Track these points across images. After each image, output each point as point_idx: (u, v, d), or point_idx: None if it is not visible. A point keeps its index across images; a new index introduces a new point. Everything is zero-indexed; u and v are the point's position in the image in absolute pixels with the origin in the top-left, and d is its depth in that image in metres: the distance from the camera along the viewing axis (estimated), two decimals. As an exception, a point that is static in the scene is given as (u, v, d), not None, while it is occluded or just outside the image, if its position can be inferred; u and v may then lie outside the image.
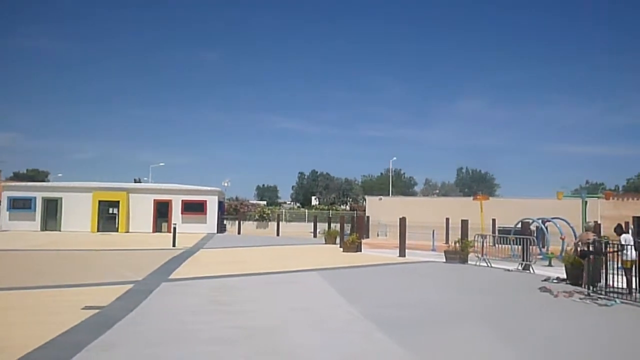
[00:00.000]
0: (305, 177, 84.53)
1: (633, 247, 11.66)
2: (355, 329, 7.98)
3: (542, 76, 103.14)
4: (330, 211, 44.86)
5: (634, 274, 11.45)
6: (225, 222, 39.70)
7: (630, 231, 24.96)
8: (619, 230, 12.51)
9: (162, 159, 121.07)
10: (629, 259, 11.65)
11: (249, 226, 40.67)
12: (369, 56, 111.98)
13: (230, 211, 42.01)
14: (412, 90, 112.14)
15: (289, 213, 47.61)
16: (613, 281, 11.80)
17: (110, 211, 34.33)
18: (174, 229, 24.37)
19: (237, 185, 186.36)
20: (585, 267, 12.57)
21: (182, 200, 35.28)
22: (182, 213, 34.92)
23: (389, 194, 55.46)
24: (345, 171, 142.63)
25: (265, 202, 66.41)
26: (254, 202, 59.01)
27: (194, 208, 35.44)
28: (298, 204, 75.10)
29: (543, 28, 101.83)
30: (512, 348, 7.01)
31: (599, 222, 24.73)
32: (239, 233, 36.61)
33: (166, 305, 9.50)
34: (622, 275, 11.86)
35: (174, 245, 22.75)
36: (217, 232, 35.45)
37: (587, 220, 20.72)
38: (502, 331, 8.01)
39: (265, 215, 43.10)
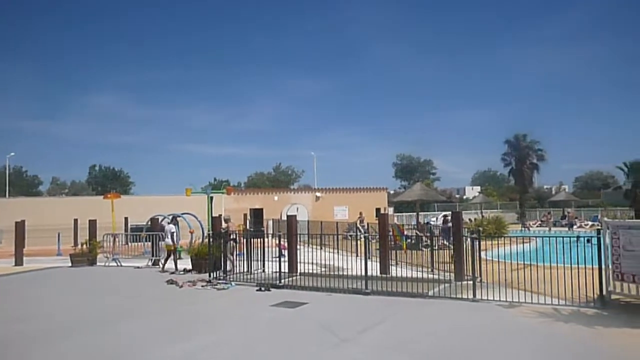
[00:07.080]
0: None
1: (171, 234, 15.50)
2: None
3: (175, 79, 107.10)
4: None
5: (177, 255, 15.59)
6: None
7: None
8: (171, 220, 16.68)
9: None
10: (169, 243, 15.43)
11: None
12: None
13: None
14: (39, 78, 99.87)
15: None
16: (235, 267, 13.36)
17: None
18: None
19: None
20: (225, 254, 13.47)
21: None
22: None
23: (5, 195, 48.24)
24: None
25: None
26: None
27: None
28: None
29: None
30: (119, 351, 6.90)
31: (223, 214, 27.17)
32: None
33: None
34: (241, 260, 13.48)
35: None
36: None
37: (212, 213, 22.52)
38: (115, 334, 7.65)
39: None
